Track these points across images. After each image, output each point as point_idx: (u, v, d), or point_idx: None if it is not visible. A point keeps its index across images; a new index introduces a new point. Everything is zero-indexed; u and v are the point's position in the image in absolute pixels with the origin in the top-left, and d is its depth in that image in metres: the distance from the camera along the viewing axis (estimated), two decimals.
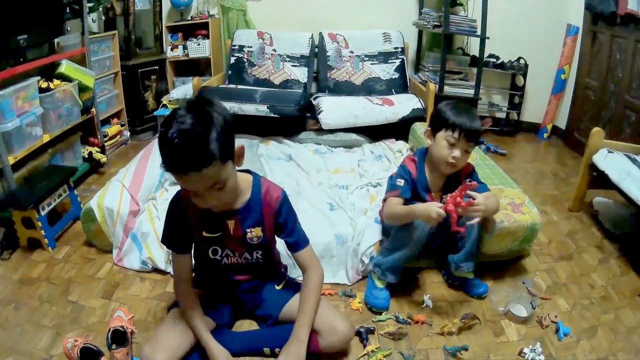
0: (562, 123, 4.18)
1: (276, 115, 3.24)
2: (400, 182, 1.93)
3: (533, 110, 4.32)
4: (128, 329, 1.72)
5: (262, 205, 1.60)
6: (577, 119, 3.92)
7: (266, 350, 1.65)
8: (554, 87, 4.13)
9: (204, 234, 1.60)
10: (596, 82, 3.62)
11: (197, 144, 1.25)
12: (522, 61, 4.10)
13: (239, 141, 1.41)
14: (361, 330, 1.78)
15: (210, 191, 1.35)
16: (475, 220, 1.74)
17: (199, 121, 1.27)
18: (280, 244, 1.77)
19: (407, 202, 1.92)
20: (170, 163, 1.28)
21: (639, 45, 3.09)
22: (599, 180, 2.60)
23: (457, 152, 1.84)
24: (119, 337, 1.67)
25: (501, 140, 4.12)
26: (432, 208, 1.68)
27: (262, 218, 1.61)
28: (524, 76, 4.11)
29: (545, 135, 4.25)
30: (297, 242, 1.66)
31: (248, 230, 1.60)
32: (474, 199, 1.70)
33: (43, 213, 2.31)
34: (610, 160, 2.47)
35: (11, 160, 2.43)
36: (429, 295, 2.01)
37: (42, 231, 2.29)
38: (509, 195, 2.22)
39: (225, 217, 1.57)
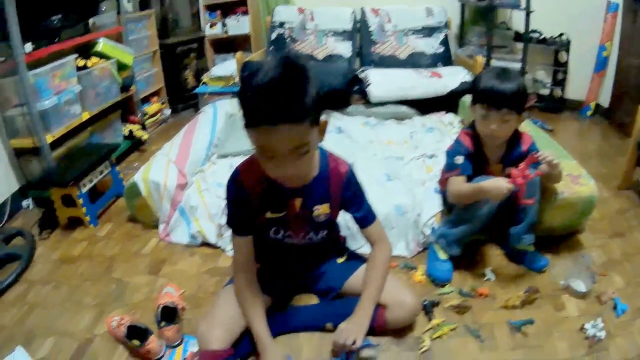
0: (605, 101, 3.93)
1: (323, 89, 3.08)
2: (459, 159, 1.82)
3: (576, 87, 4.08)
4: (179, 305, 1.60)
5: (330, 181, 1.45)
6: (619, 98, 3.68)
7: (329, 325, 1.52)
8: (596, 64, 3.88)
9: (268, 214, 1.45)
10: (637, 61, 3.38)
11: (294, 93, 1.11)
12: (564, 37, 3.88)
13: None
14: (426, 303, 1.67)
15: (292, 156, 1.18)
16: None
17: (296, 74, 1.14)
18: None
19: (469, 178, 1.82)
20: (261, 111, 1.11)
21: None
22: None
23: (493, 125, 1.72)
24: (169, 314, 1.56)
25: (546, 117, 3.91)
26: (502, 184, 1.60)
27: (328, 194, 1.47)
28: (567, 52, 3.90)
29: (588, 113, 4.00)
30: (366, 216, 1.54)
31: (315, 208, 1.46)
32: (540, 170, 1.63)
33: (84, 190, 2.23)
34: None
35: (49, 138, 2.39)
36: (490, 267, 1.90)
37: (84, 208, 2.21)
38: (565, 168, 2.05)
39: (290, 195, 1.42)
